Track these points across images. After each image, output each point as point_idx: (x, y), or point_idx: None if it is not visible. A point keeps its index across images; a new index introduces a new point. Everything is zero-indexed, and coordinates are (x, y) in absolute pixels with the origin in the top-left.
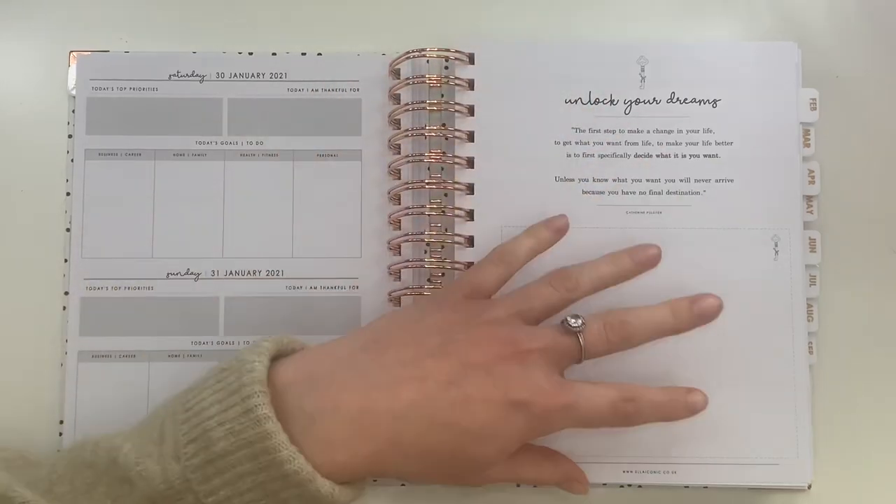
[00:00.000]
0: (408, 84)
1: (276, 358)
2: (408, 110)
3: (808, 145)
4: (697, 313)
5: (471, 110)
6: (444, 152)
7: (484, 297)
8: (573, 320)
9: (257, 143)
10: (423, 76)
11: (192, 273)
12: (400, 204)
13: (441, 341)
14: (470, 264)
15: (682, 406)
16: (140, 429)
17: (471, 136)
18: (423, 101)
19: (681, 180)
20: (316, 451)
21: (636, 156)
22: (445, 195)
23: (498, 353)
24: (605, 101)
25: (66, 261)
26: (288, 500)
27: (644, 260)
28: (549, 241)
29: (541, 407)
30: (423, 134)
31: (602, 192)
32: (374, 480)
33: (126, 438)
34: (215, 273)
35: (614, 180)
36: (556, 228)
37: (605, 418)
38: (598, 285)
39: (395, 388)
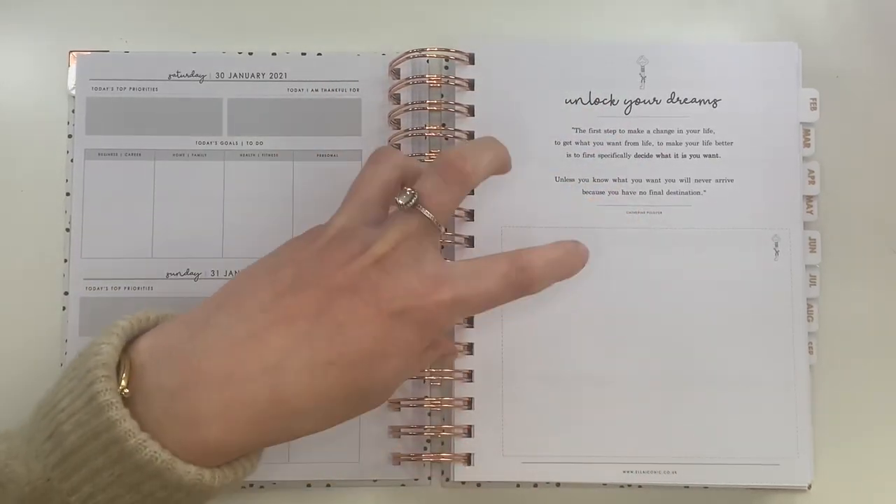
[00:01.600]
0: (408, 84)
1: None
2: (408, 110)
3: (808, 145)
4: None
5: (471, 110)
6: None
7: None
8: (401, 198)
9: (257, 143)
10: (423, 76)
11: (191, 273)
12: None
13: (294, 273)
14: None
15: (575, 256)
16: (23, 426)
17: (471, 137)
18: (423, 102)
19: (681, 180)
20: (181, 433)
21: (636, 156)
22: None
23: (355, 268)
24: (606, 101)
25: (65, 261)
26: (154, 492)
27: None
28: None
29: (422, 310)
30: (423, 134)
31: (602, 192)
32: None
33: (4, 438)
34: (215, 273)
35: (614, 180)
36: None
37: (499, 296)
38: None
39: (260, 338)
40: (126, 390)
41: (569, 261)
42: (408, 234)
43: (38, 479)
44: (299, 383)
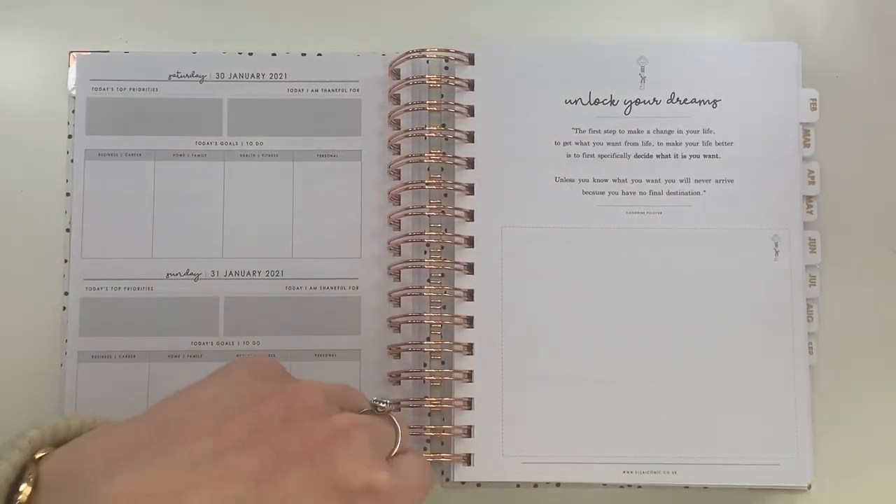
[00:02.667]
0: (408, 84)
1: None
2: (408, 111)
3: (808, 145)
4: None
5: (471, 111)
6: (444, 153)
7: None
8: (383, 403)
9: (257, 144)
10: (423, 76)
11: (191, 273)
12: (400, 204)
13: (249, 428)
14: (470, 265)
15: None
16: None
17: (471, 137)
18: (423, 102)
19: (681, 180)
20: None
21: (636, 156)
22: (445, 195)
23: (319, 434)
24: (606, 102)
25: (65, 261)
26: None
27: None
28: None
29: (377, 493)
30: (423, 134)
31: (602, 193)
32: None
33: None
34: (215, 273)
35: (614, 181)
36: None
37: (425, 492)
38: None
39: (180, 495)
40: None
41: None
42: (375, 426)
43: None
44: None
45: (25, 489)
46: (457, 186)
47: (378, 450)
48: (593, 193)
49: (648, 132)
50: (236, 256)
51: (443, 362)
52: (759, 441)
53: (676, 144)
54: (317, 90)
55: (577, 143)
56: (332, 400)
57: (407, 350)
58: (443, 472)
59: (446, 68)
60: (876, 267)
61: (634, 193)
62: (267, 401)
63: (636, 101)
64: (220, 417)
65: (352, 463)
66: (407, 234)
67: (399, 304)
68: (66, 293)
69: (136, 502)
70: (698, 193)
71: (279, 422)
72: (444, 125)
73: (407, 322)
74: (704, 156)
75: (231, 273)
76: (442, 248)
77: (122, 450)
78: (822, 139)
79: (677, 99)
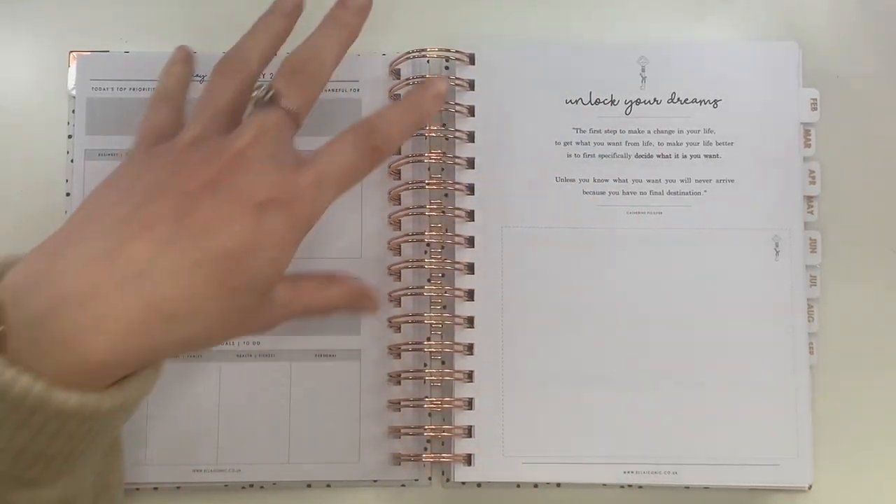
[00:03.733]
0: (408, 84)
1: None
2: None
3: (808, 145)
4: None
5: (471, 111)
6: (444, 152)
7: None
8: (258, 92)
9: None
10: (423, 76)
11: None
12: (400, 204)
13: (150, 184)
14: (470, 265)
15: (428, 102)
16: None
17: (471, 137)
18: None
19: (681, 181)
20: (56, 359)
21: (637, 156)
22: (445, 195)
23: (213, 167)
24: (606, 102)
25: None
26: (45, 426)
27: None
28: (283, 31)
29: (289, 196)
30: (423, 134)
31: (603, 193)
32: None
33: None
34: None
35: (615, 181)
36: (289, 9)
37: (358, 163)
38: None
39: (123, 247)
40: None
41: (420, 110)
42: (265, 129)
43: None
44: (168, 287)
45: (2, 297)
46: (457, 186)
47: (279, 155)
48: (593, 193)
49: (649, 132)
50: None
51: (443, 362)
52: (760, 441)
53: (677, 144)
54: None
55: (577, 143)
56: (213, 122)
57: (407, 350)
58: (443, 473)
59: (446, 68)
60: (876, 267)
61: (635, 193)
62: (156, 160)
63: (637, 101)
64: (125, 188)
65: (250, 178)
66: (407, 234)
67: (399, 305)
68: None
69: (84, 268)
70: (698, 193)
71: (174, 169)
72: (444, 125)
73: (407, 322)
74: (705, 156)
75: None
76: (442, 248)
77: (56, 244)
78: (822, 139)
79: (678, 99)
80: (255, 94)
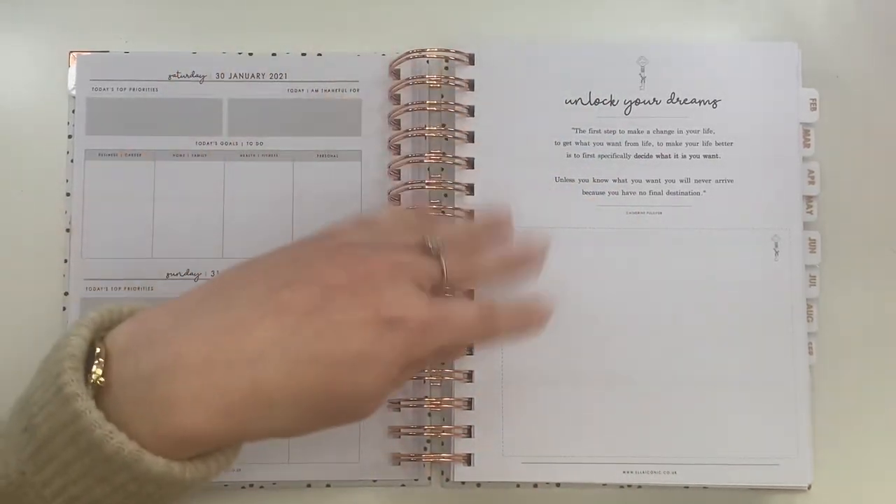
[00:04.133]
0: (408, 84)
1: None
2: (408, 111)
3: (808, 145)
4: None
5: (471, 111)
6: (444, 153)
7: None
8: (430, 240)
9: (257, 144)
10: (423, 76)
11: (192, 273)
12: (400, 204)
13: (295, 270)
14: None
15: (536, 315)
16: (1, 422)
17: (471, 137)
18: (423, 102)
19: (681, 181)
20: (153, 421)
21: (636, 156)
22: (445, 195)
23: (362, 270)
24: (606, 102)
25: (65, 261)
26: (125, 484)
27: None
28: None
29: (417, 321)
30: (423, 134)
31: (602, 193)
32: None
33: None
34: (215, 273)
35: (614, 181)
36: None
37: (474, 328)
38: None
39: (247, 328)
40: (102, 379)
41: (529, 317)
42: (419, 263)
43: (13, 472)
44: (280, 375)
45: (107, 351)
46: (457, 186)
47: (418, 286)
48: (593, 193)
49: (648, 132)
50: (236, 256)
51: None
52: (759, 441)
53: (676, 144)
54: (317, 90)
55: (577, 143)
56: (371, 235)
57: None
58: (443, 472)
59: (446, 68)
60: (876, 267)
61: (634, 193)
62: (310, 249)
63: (636, 101)
64: (269, 269)
65: (391, 293)
66: None
67: None
68: (66, 293)
69: (206, 337)
70: (698, 193)
71: (323, 262)
72: (444, 125)
73: None
74: (704, 156)
75: None
76: None
77: (183, 308)
78: (822, 139)
79: (677, 99)
80: (427, 238)
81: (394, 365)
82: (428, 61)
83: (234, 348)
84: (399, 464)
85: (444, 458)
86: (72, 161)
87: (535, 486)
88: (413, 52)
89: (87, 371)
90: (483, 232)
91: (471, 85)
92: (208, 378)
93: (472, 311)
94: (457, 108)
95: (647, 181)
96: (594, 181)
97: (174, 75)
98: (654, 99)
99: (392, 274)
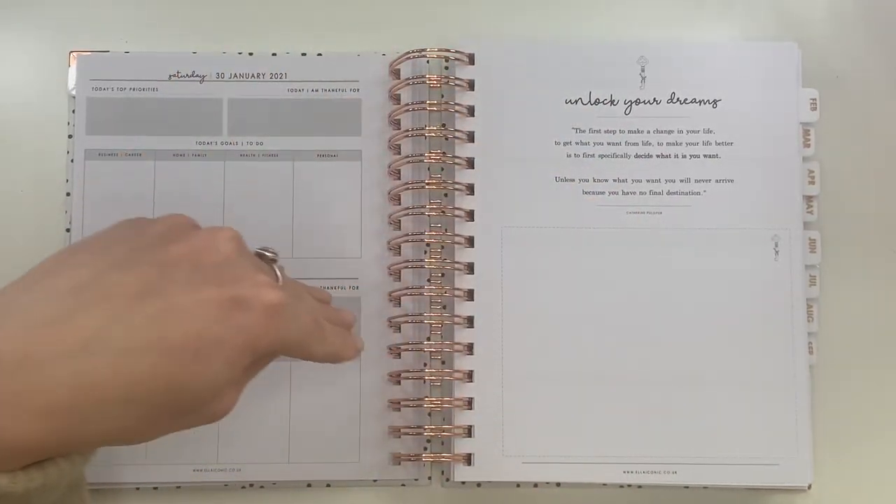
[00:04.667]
0: (408, 84)
1: None
2: (408, 110)
3: (808, 145)
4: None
5: (471, 111)
6: (444, 153)
7: None
8: (268, 252)
9: (257, 144)
10: (423, 76)
11: None
12: (400, 204)
13: (126, 250)
14: (470, 265)
15: (352, 344)
16: None
17: (471, 137)
18: (423, 102)
19: (681, 180)
20: None
21: (636, 156)
22: (445, 195)
23: (205, 242)
24: (606, 102)
25: None
26: None
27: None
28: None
29: (266, 303)
30: (423, 134)
31: (602, 193)
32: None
33: None
34: None
35: (614, 180)
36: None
37: (307, 331)
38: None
39: (68, 318)
40: None
41: (347, 341)
42: (252, 256)
43: None
44: (106, 369)
45: None
46: (457, 186)
47: (263, 269)
48: (593, 193)
49: (648, 132)
50: None
51: (443, 362)
52: (759, 441)
53: (676, 144)
54: (317, 90)
55: (577, 143)
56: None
57: (407, 350)
58: (443, 472)
59: (446, 68)
60: (876, 267)
61: (634, 193)
62: (137, 229)
63: (636, 100)
64: (95, 252)
65: (239, 269)
66: (407, 234)
67: (399, 304)
68: None
69: (20, 334)
70: (698, 193)
71: (159, 238)
72: (444, 125)
73: (407, 322)
74: (704, 156)
75: None
76: (442, 248)
77: (6, 300)
78: (822, 139)
79: (677, 99)
80: (263, 249)
81: (241, 353)
82: (428, 61)
83: (54, 342)
84: (399, 464)
85: (444, 458)
86: (72, 161)
87: (535, 486)
88: (413, 52)
89: None
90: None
91: (471, 85)
92: (25, 378)
93: (313, 310)
94: (457, 108)
95: (647, 181)
96: (594, 181)
97: (174, 75)
98: (654, 99)
99: (239, 250)
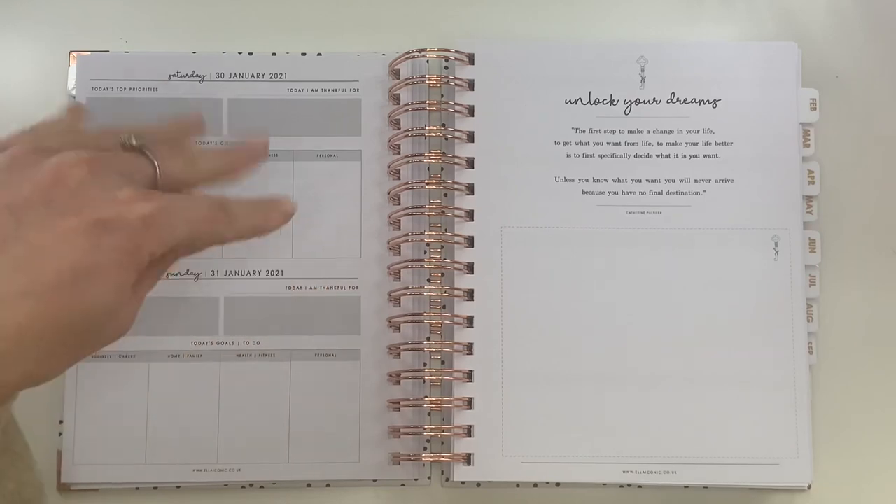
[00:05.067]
0: (408, 84)
1: None
2: (408, 110)
3: (808, 145)
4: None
5: (471, 110)
6: (444, 152)
7: None
8: (130, 138)
9: None
10: (422, 76)
11: (191, 273)
12: (400, 204)
13: None
14: (470, 265)
15: (277, 208)
16: None
17: (471, 137)
18: (423, 102)
19: (681, 180)
20: None
21: (636, 156)
22: (445, 195)
23: (50, 175)
24: (605, 102)
25: None
26: None
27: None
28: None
29: (136, 216)
30: (423, 134)
31: (602, 193)
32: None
33: None
34: (215, 273)
35: (614, 180)
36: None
37: (208, 220)
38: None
39: None
40: None
41: (269, 209)
42: (118, 159)
43: None
44: None
45: None
46: (457, 186)
47: (130, 180)
48: (593, 193)
49: (648, 132)
50: (236, 256)
51: (443, 362)
52: (759, 441)
53: (676, 144)
54: (317, 90)
55: (576, 143)
56: (55, 140)
57: (407, 350)
58: (443, 472)
59: (446, 68)
60: (876, 267)
61: (634, 193)
62: None
63: (636, 100)
64: None
65: (96, 191)
66: (407, 234)
67: (399, 304)
68: None
69: None
70: (698, 193)
71: (2, 182)
72: (444, 125)
73: (407, 322)
74: (704, 156)
75: (231, 273)
76: (442, 247)
77: None
78: (822, 139)
79: (677, 99)
80: (126, 137)
81: (124, 269)
82: (428, 61)
83: None
84: (399, 464)
85: (443, 457)
86: None
87: (535, 486)
88: (413, 52)
89: None
90: (192, 129)
91: (471, 85)
92: None
93: (202, 201)
94: (457, 107)
95: (647, 181)
96: (594, 181)
97: (174, 75)
98: (654, 99)
99: (92, 170)
